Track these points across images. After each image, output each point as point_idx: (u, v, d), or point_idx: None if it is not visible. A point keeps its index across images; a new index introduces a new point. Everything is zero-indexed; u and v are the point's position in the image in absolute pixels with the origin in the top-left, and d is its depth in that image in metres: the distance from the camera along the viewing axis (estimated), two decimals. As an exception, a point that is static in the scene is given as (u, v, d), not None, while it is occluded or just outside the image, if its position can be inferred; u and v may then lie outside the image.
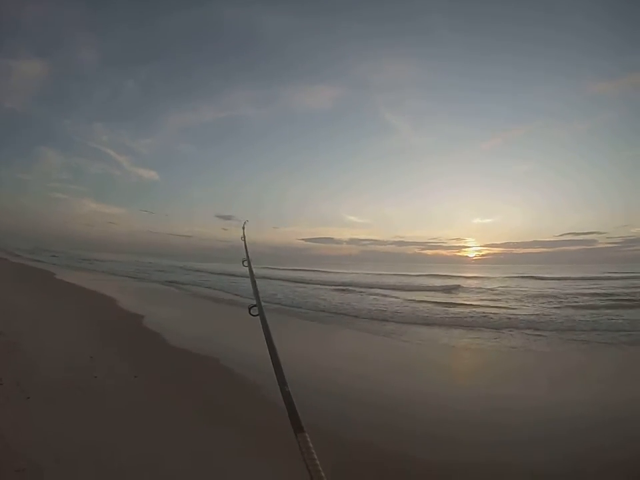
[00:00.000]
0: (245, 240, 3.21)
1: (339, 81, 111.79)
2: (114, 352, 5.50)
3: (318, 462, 0.71)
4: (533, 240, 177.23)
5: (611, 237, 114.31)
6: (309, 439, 0.77)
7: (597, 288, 18.45)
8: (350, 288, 18.89)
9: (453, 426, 3.55)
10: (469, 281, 25.86)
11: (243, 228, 3.61)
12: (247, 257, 2.45)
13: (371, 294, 16.65)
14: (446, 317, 10.20)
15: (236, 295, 14.97)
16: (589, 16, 63.29)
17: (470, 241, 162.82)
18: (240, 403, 3.96)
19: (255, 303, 1.49)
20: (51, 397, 3.66)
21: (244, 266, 2.35)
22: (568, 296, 15.23)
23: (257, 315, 1.42)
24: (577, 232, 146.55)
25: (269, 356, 1.09)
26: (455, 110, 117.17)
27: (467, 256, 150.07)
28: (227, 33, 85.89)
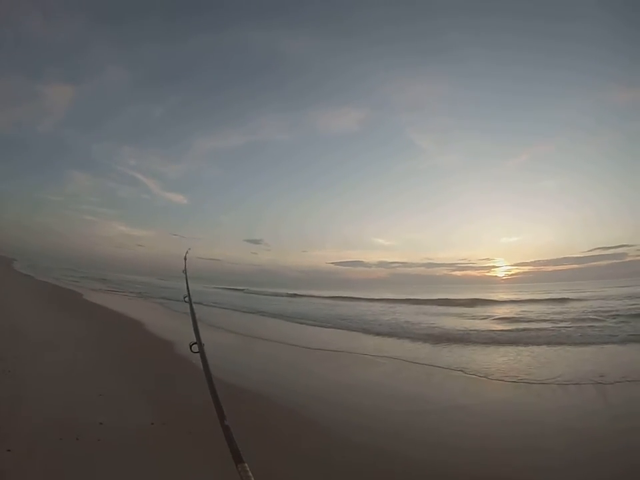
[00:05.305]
0: (186, 272, 2.98)
1: (363, 102, 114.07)
2: (131, 387, 4.60)
3: None
4: (562, 257, 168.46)
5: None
6: (248, 469, 0.82)
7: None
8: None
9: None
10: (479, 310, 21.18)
11: (185, 259, 3.27)
12: (188, 291, 2.26)
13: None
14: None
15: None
16: (607, 26, 63.10)
17: (499, 261, 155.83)
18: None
19: (195, 340, 1.52)
20: (37, 448, 2.80)
21: (185, 301, 2.16)
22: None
23: (198, 352, 1.46)
24: (605, 246, 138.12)
25: (209, 391, 1.17)
26: (480, 127, 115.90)
27: (496, 276, 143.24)
28: (255, 60, 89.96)
